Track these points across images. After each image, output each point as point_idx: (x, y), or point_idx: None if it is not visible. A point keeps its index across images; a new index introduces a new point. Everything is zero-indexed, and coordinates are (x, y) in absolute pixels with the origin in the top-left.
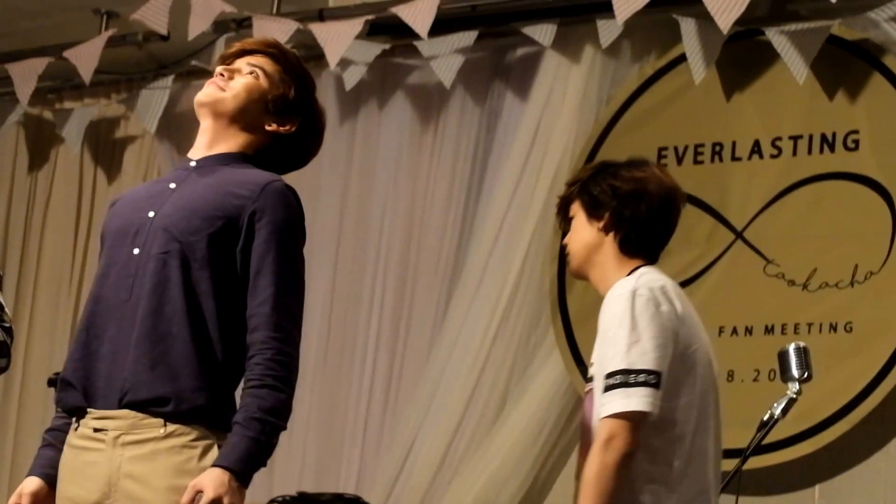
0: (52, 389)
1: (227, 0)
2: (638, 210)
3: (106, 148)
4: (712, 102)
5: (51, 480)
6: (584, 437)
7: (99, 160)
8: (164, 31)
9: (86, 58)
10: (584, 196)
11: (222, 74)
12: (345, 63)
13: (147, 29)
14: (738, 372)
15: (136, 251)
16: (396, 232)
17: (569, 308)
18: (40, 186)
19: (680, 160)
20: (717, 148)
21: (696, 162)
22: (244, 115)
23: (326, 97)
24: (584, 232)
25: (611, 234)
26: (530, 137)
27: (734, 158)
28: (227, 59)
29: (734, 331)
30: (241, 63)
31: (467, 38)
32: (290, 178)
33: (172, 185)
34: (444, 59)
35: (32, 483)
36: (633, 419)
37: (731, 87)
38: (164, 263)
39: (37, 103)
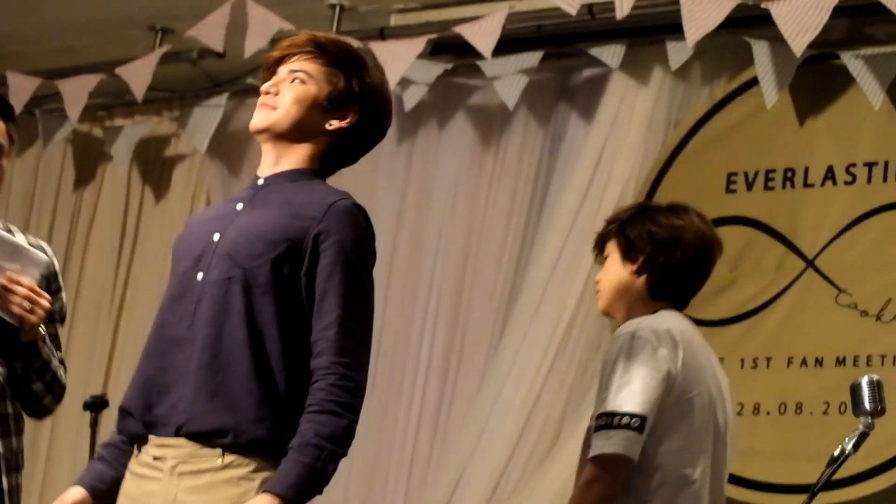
0: (87, 413)
1: (284, 17)
2: (672, 257)
3: (155, 167)
4: (784, 127)
5: (96, 494)
6: (578, 478)
7: (147, 179)
8: (219, 49)
9: (138, 75)
10: (620, 237)
11: (268, 92)
12: (405, 82)
13: (202, 46)
14: (808, 404)
15: (199, 276)
16: (452, 255)
17: None
18: (85, 204)
19: (750, 186)
20: (789, 174)
21: (766, 188)
22: (302, 126)
23: None
24: (616, 272)
25: (642, 278)
26: (594, 161)
27: (806, 185)
28: (269, 70)
29: (804, 362)
30: (284, 72)
31: (532, 58)
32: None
33: (239, 207)
34: (508, 79)
35: (76, 492)
36: (612, 462)
37: (805, 111)
38: (225, 290)
39: (86, 120)
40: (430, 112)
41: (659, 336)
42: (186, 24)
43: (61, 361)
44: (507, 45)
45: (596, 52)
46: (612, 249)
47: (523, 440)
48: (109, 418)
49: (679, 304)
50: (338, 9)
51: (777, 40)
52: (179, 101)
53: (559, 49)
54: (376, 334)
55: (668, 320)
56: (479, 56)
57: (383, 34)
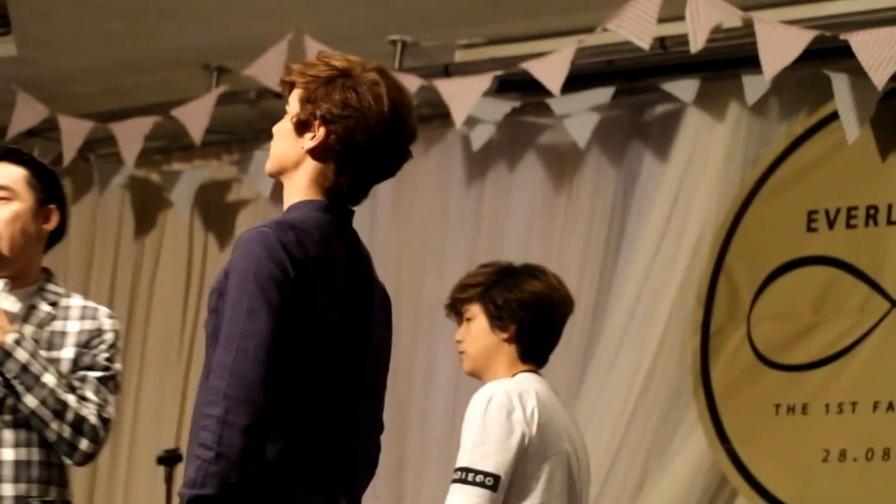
0: (161, 467)
1: (346, 54)
2: (542, 322)
3: (217, 212)
4: (866, 163)
5: None
6: None
7: (210, 225)
8: (278, 88)
9: (195, 116)
10: (487, 304)
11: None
12: (472, 121)
13: (260, 86)
14: None
15: None
16: None
17: (712, 381)
18: (147, 253)
19: (831, 224)
20: (872, 211)
21: (848, 226)
22: (284, 158)
23: (452, 158)
24: (485, 338)
25: (512, 345)
26: (671, 201)
27: (890, 222)
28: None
29: (890, 406)
30: None
31: (603, 94)
32: (415, 242)
33: None
34: (579, 117)
35: None
36: None
37: (887, 146)
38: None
39: (143, 165)
40: (499, 152)
41: (516, 397)
42: (242, 62)
43: (93, 403)
44: (577, 81)
45: (669, 87)
46: (478, 314)
47: (606, 491)
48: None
49: (541, 364)
50: (400, 45)
51: (857, 73)
52: (239, 144)
53: (631, 84)
54: (454, 382)
55: (526, 383)
56: (547, 93)
57: (448, 71)
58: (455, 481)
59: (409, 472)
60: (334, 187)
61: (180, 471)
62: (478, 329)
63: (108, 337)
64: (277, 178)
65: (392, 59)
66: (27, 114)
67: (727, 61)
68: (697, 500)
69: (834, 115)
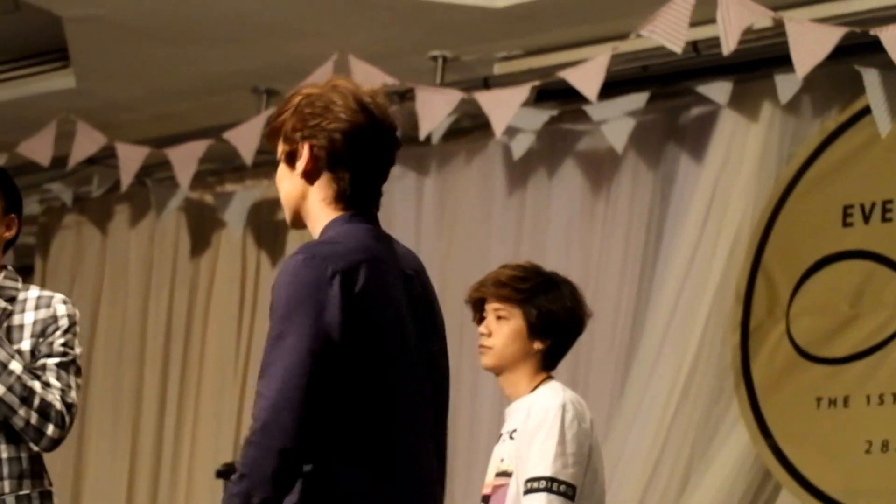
0: (221, 481)
1: (387, 72)
2: (571, 337)
3: (269, 231)
4: None
5: None
6: None
7: (262, 244)
8: None
9: (246, 138)
10: (530, 310)
11: None
12: (512, 131)
13: None
14: None
15: None
16: None
17: (753, 377)
18: (203, 273)
19: (867, 218)
20: None
21: (884, 220)
22: (289, 197)
23: (494, 167)
24: (519, 342)
25: (540, 354)
26: (707, 201)
27: None
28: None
29: None
30: None
31: (638, 99)
32: (460, 250)
33: None
34: (615, 122)
35: None
36: None
37: None
38: None
39: (197, 187)
40: (539, 160)
41: (581, 408)
42: (290, 84)
43: (56, 388)
44: (613, 87)
45: (703, 89)
46: (516, 315)
47: (651, 489)
48: None
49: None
50: (441, 60)
51: (888, 67)
52: None
53: (665, 89)
54: (498, 395)
55: (571, 392)
56: (584, 100)
57: (487, 83)
58: (539, 490)
59: (458, 479)
60: (340, 192)
61: None
62: (513, 331)
63: (63, 322)
64: (299, 225)
65: (433, 74)
66: (87, 142)
67: (759, 62)
68: (742, 495)
69: (866, 110)
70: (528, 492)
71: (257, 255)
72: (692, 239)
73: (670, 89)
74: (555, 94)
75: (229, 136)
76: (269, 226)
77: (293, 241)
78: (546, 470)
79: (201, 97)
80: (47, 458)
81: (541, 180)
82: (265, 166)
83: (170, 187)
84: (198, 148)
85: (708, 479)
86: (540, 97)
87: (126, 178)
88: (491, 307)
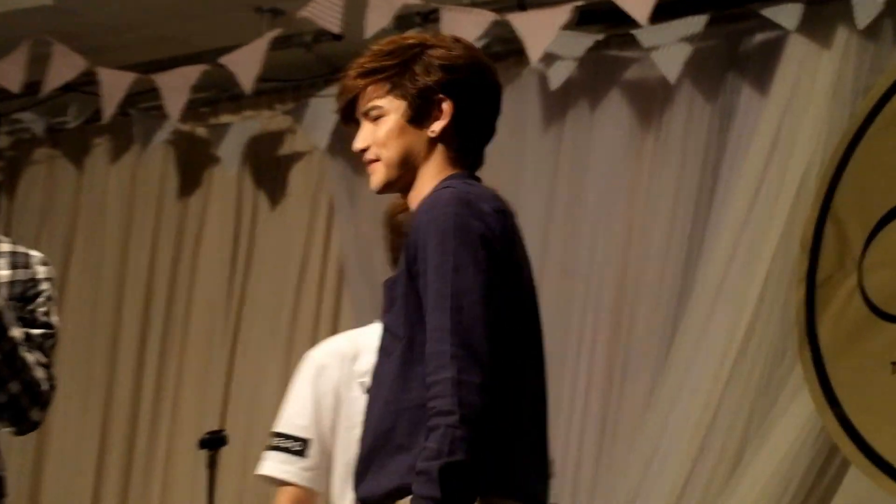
0: (204, 451)
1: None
2: None
3: (268, 168)
4: None
5: None
6: None
7: (260, 182)
8: (336, 30)
9: (246, 63)
10: None
11: (362, 150)
12: (550, 58)
13: (317, 28)
14: None
15: None
16: (611, 255)
17: (819, 339)
18: (192, 214)
19: None
20: None
21: None
22: (409, 160)
23: (528, 99)
24: None
25: None
26: (771, 140)
27: None
28: (347, 122)
29: None
30: (359, 115)
31: (695, 23)
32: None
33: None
34: (668, 49)
35: None
36: None
37: None
38: None
39: (189, 118)
40: (580, 91)
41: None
42: (297, 3)
43: (42, 365)
44: (667, 9)
45: (769, 12)
46: None
47: (700, 464)
48: (229, 457)
49: None
50: None
51: None
52: (293, 92)
53: (726, 11)
54: None
55: None
56: (634, 24)
57: (522, 3)
58: None
59: None
60: (462, 155)
61: (224, 455)
62: None
63: (45, 288)
64: (393, 189)
65: None
66: (64, 67)
67: None
68: (804, 472)
69: None
70: None
71: (254, 197)
72: (753, 181)
73: (732, 12)
74: (600, 16)
75: (227, 60)
76: (268, 163)
77: (296, 180)
78: None
79: (195, 17)
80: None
81: (581, 114)
82: (266, 95)
83: (157, 118)
84: (190, 74)
85: (765, 453)
86: (583, 19)
87: (108, 107)
88: None
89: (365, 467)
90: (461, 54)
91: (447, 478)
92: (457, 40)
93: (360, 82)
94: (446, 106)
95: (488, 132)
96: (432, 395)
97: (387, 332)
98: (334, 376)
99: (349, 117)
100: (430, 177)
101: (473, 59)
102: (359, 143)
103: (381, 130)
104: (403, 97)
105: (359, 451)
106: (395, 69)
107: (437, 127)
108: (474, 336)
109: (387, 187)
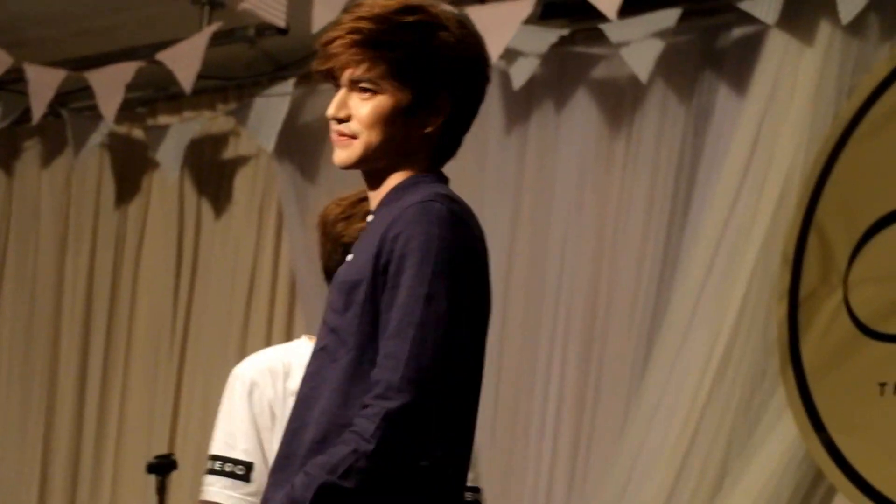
0: (152, 477)
1: None
2: None
3: (212, 173)
4: None
5: None
6: None
7: (203, 188)
8: (282, 24)
9: (185, 60)
10: None
11: (337, 120)
12: (512, 55)
13: (261, 21)
14: None
15: None
16: (581, 267)
17: (803, 358)
18: (131, 223)
19: None
20: None
21: None
22: (390, 150)
23: (489, 99)
24: None
25: None
26: (750, 143)
27: None
28: (325, 78)
29: None
30: (345, 79)
31: (668, 17)
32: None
33: (349, 258)
34: (639, 45)
35: None
36: None
37: None
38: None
39: (124, 119)
40: (545, 90)
41: None
42: None
43: None
44: (637, 2)
45: (747, 5)
46: None
47: (677, 493)
48: (178, 482)
49: None
50: None
51: None
52: (237, 91)
53: (701, 4)
54: (494, 370)
55: None
56: (602, 18)
57: None
58: None
59: None
60: (441, 154)
61: (174, 480)
62: None
63: None
64: (370, 177)
65: None
66: None
67: None
68: (788, 500)
69: None
70: None
71: (197, 204)
72: (731, 188)
73: (707, 5)
74: (565, 10)
75: (164, 56)
76: (211, 167)
77: (241, 185)
78: None
79: (130, 9)
80: None
81: (547, 115)
82: (207, 94)
83: (91, 119)
84: (125, 71)
85: (747, 480)
86: (546, 13)
87: (38, 107)
88: None
89: (279, 468)
90: (470, 46)
91: (323, 495)
92: (462, 24)
93: (358, 52)
94: (445, 103)
95: (467, 129)
96: (362, 414)
97: (333, 332)
98: (268, 394)
99: (327, 74)
100: (405, 171)
101: (479, 53)
102: (337, 111)
103: (369, 109)
104: (404, 83)
105: (277, 452)
106: (403, 50)
107: (431, 124)
108: (428, 376)
109: (353, 167)
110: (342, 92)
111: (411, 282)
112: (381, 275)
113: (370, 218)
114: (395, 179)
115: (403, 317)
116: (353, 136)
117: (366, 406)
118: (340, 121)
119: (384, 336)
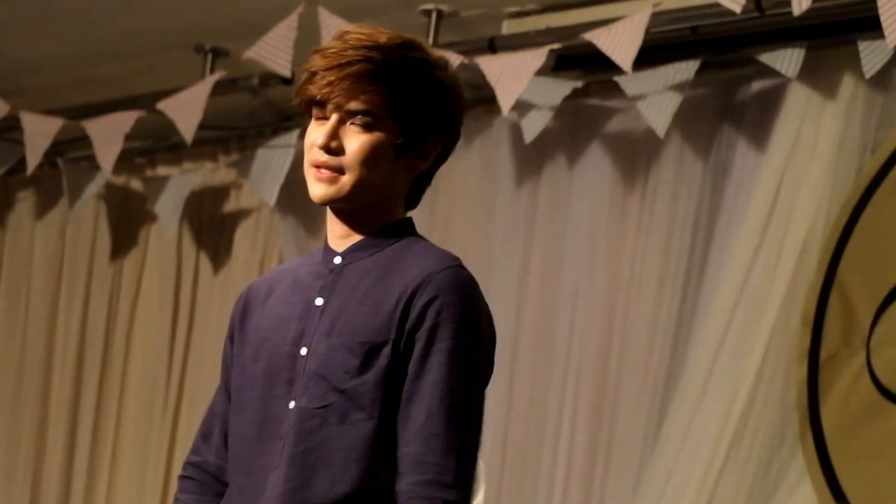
0: None
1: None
2: None
3: (211, 227)
4: None
5: None
6: None
7: (202, 242)
8: (286, 73)
9: (185, 109)
10: None
11: (326, 150)
12: (524, 107)
13: (265, 70)
14: None
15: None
16: (593, 327)
17: (823, 423)
18: (127, 277)
19: None
20: None
21: None
22: (378, 189)
23: (499, 152)
24: None
25: None
26: (770, 200)
27: None
28: (311, 109)
29: None
30: (333, 111)
31: (686, 69)
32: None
33: (319, 302)
34: (655, 98)
35: None
36: None
37: None
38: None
39: (122, 170)
40: (558, 144)
41: None
42: (243, 43)
43: None
44: (653, 53)
45: (767, 58)
46: None
47: None
48: None
49: None
50: (434, 15)
51: None
52: (239, 142)
53: (720, 57)
54: (500, 435)
55: None
56: (617, 70)
57: (493, 46)
58: None
59: None
60: (412, 196)
61: None
62: None
63: None
64: (338, 206)
65: (425, 32)
66: None
67: (838, 24)
68: None
69: None
70: None
71: (195, 257)
72: (750, 246)
73: (726, 58)
74: (579, 61)
75: (165, 105)
76: (211, 221)
77: (242, 239)
78: None
79: (130, 56)
80: None
81: (559, 169)
82: (209, 145)
83: (88, 169)
84: (124, 120)
85: None
86: (560, 64)
87: (33, 156)
88: None
89: None
90: (459, 92)
91: None
92: (446, 64)
93: (364, 83)
94: (435, 146)
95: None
96: (416, 494)
97: (341, 393)
98: None
99: (310, 102)
100: (385, 212)
101: (463, 100)
102: (328, 141)
103: (365, 144)
104: (400, 120)
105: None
106: (405, 86)
107: (417, 167)
108: (473, 468)
109: (336, 203)
110: (333, 121)
111: (449, 356)
112: (409, 335)
113: (338, 260)
114: (373, 221)
115: (444, 394)
116: (341, 172)
117: (414, 483)
118: (329, 151)
119: (416, 404)
